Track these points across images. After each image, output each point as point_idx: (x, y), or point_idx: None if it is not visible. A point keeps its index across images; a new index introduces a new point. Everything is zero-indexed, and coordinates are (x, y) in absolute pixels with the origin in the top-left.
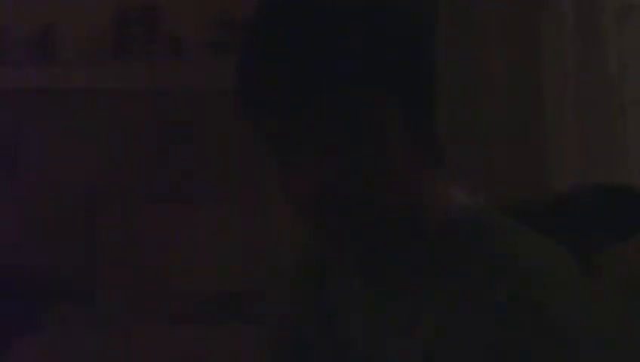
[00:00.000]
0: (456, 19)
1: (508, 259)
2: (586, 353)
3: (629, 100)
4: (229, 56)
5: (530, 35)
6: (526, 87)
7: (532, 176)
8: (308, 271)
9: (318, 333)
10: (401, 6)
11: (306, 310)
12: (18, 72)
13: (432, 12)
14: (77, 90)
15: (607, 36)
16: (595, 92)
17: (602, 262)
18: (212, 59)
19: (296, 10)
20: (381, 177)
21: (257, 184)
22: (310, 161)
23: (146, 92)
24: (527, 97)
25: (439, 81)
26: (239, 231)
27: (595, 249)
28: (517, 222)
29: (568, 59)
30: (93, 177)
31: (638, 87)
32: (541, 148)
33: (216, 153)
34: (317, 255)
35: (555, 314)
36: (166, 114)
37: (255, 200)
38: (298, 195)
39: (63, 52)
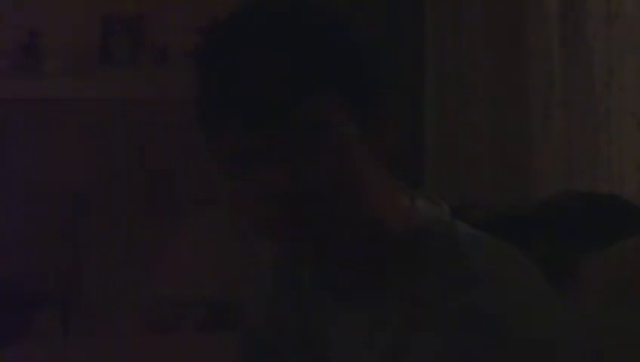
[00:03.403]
0: (443, 26)
1: (467, 271)
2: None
3: (615, 107)
4: None
5: (516, 41)
6: (511, 94)
7: (516, 183)
8: (283, 279)
9: (293, 342)
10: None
11: (281, 318)
12: (4, 82)
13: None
14: (63, 100)
15: (593, 43)
16: (581, 99)
17: (583, 269)
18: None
19: (247, 28)
20: (339, 188)
21: None
22: (267, 174)
23: (132, 100)
24: (513, 104)
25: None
26: (225, 239)
27: (576, 256)
28: (498, 228)
29: (554, 65)
30: (78, 186)
31: (624, 93)
32: (525, 155)
33: (202, 160)
34: (288, 263)
35: (511, 326)
36: (151, 122)
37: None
38: (256, 209)
39: (48, 62)
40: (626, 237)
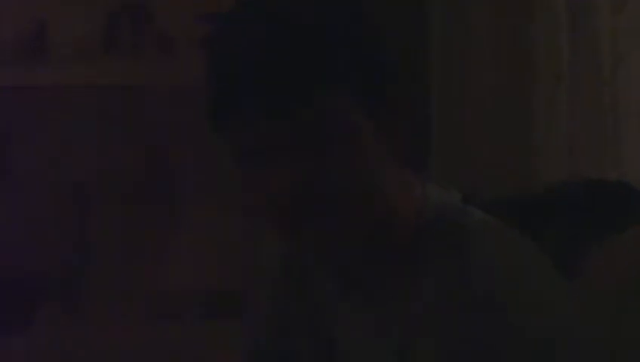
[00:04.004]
0: (447, 22)
1: (480, 259)
2: (556, 353)
3: (621, 97)
4: None
5: (522, 34)
6: (517, 85)
7: (521, 173)
8: (292, 271)
9: (302, 334)
10: (355, 10)
11: (290, 310)
12: (8, 71)
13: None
14: (67, 88)
15: (600, 33)
16: (587, 88)
17: (593, 257)
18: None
19: (256, 21)
20: (351, 179)
21: None
22: (278, 166)
23: (137, 89)
24: (518, 94)
25: (429, 78)
26: (229, 228)
27: (585, 244)
28: (504, 217)
29: (562, 55)
30: (83, 174)
31: (631, 84)
32: (531, 145)
33: (208, 151)
34: (298, 256)
35: (523, 314)
36: (156, 111)
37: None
38: (268, 202)
39: (53, 50)
40: (636, 224)
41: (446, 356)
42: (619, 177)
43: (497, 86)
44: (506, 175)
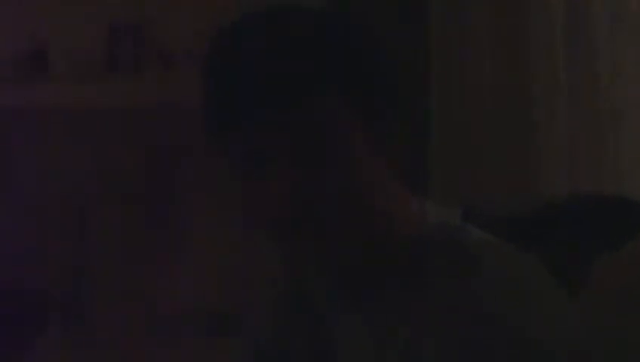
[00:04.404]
0: (446, 29)
1: (480, 274)
2: None
3: (620, 107)
4: None
5: (519, 41)
6: (516, 95)
7: (521, 183)
8: (293, 282)
9: (302, 347)
10: (353, 20)
11: (290, 327)
12: (9, 90)
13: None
14: (68, 107)
15: (598, 43)
16: (586, 98)
17: (593, 272)
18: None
19: (254, 31)
20: (346, 190)
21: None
22: (274, 177)
23: (137, 107)
24: (516, 104)
25: (428, 88)
26: (229, 248)
27: (586, 259)
28: (505, 232)
29: (559, 64)
30: (84, 193)
31: (630, 93)
32: (531, 154)
33: (209, 168)
34: (298, 269)
35: (523, 332)
36: (160, 128)
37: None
38: (267, 212)
39: (54, 70)
40: (636, 238)
41: None
42: (616, 188)
43: (497, 89)
44: (506, 185)
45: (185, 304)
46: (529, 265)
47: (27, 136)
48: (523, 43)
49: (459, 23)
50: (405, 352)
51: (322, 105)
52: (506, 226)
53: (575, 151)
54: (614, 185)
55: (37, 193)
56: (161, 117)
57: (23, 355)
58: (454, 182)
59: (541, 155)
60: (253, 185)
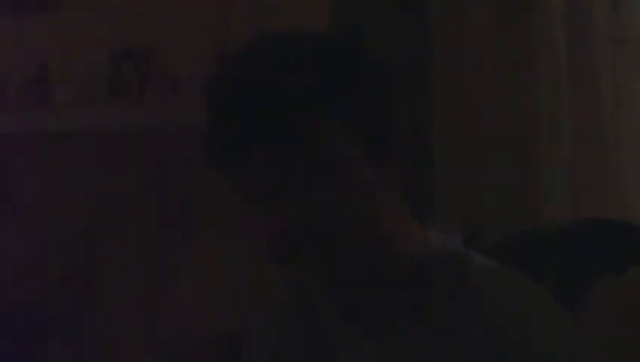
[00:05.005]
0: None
1: (483, 299)
2: None
3: (623, 133)
4: None
5: (521, 64)
6: (519, 113)
7: (523, 207)
8: (297, 309)
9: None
10: (350, 43)
11: (295, 347)
12: (13, 115)
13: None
14: (74, 131)
15: (600, 68)
16: (589, 124)
17: (597, 295)
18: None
19: (254, 60)
20: (346, 214)
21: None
22: (279, 203)
23: (144, 130)
24: (520, 124)
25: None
26: (238, 268)
27: (590, 282)
28: (507, 257)
29: (561, 89)
30: (89, 218)
31: (633, 119)
32: (533, 180)
33: (215, 190)
34: (300, 289)
35: (532, 351)
36: (164, 151)
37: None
38: (270, 236)
39: (58, 94)
40: (638, 262)
41: None
42: (620, 213)
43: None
44: (507, 208)
45: (188, 322)
46: (531, 290)
47: (31, 161)
48: (526, 71)
49: (461, 43)
50: None
51: (322, 130)
52: (508, 251)
53: (577, 174)
54: (617, 210)
55: (42, 217)
56: (165, 140)
57: None
58: (456, 207)
59: (542, 178)
60: (255, 211)
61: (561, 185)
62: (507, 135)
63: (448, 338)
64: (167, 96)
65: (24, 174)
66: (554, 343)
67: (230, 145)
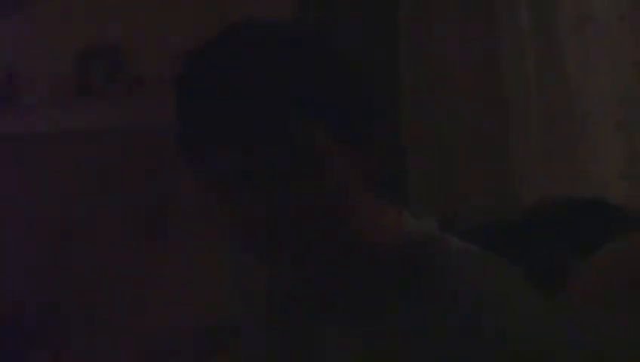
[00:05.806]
0: (417, 43)
1: (458, 284)
2: None
3: (591, 110)
4: None
5: (490, 52)
6: (489, 104)
7: (496, 190)
8: (275, 302)
9: (289, 358)
10: (326, 42)
11: (274, 342)
12: None
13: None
14: (41, 133)
15: (565, 47)
16: (557, 103)
17: (572, 275)
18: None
19: (229, 52)
20: (321, 204)
21: None
22: (252, 194)
23: (111, 131)
24: (490, 114)
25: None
26: (217, 264)
27: (564, 262)
28: (484, 240)
29: (530, 74)
30: (62, 219)
31: (600, 96)
32: (505, 161)
33: (187, 187)
34: (280, 280)
35: (503, 340)
36: (133, 151)
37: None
38: (245, 224)
39: (25, 96)
40: (612, 240)
41: None
42: (591, 192)
43: (469, 104)
44: (481, 191)
45: (168, 320)
46: (508, 273)
47: (3, 164)
48: (494, 56)
49: (429, 40)
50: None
51: (297, 118)
52: (484, 234)
53: (549, 155)
54: (588, 188)
55: (17, 219)
56: (133, 139)
57: None
58: (430, 192)
59: (516, 161)
60: (229, 204)
61: (533, 166)
62: (477, 119)
63: (427, 322)
64: (133, 95)
65: None
66: (530, 326)
67: (206, 134)
